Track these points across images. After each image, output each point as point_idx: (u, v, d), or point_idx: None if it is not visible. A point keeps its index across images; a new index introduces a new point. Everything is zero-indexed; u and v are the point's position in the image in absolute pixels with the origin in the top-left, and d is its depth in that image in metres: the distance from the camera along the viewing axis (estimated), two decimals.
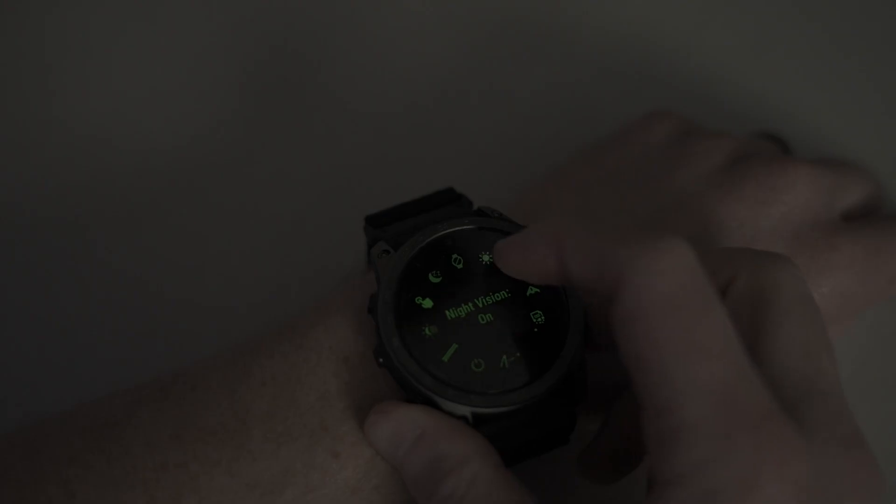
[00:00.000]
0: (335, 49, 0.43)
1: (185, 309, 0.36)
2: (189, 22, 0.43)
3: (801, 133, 0.39)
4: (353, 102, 0.41)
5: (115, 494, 0.25)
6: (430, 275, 0.28)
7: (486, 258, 0.28)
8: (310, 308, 0.30)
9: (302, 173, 0.40)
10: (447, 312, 0.27)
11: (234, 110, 0.41)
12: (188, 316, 0.36)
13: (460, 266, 0.28)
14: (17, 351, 0.35)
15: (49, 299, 0.36)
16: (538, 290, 0.28)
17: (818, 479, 0.22)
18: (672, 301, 0.22)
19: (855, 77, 0.42)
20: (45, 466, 0.26)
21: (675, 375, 0.21)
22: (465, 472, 0.25)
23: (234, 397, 0.27)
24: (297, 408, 0.27)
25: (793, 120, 0.40)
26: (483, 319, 0.27)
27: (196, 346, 0.32)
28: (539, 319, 0.27)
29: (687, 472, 0.21)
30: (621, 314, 0.22)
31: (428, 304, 0.27)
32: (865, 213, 0.35)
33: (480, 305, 0.27)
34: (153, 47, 0.43)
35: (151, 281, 0.37)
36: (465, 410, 0.26)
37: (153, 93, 0.41)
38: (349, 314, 0.29)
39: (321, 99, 0.42)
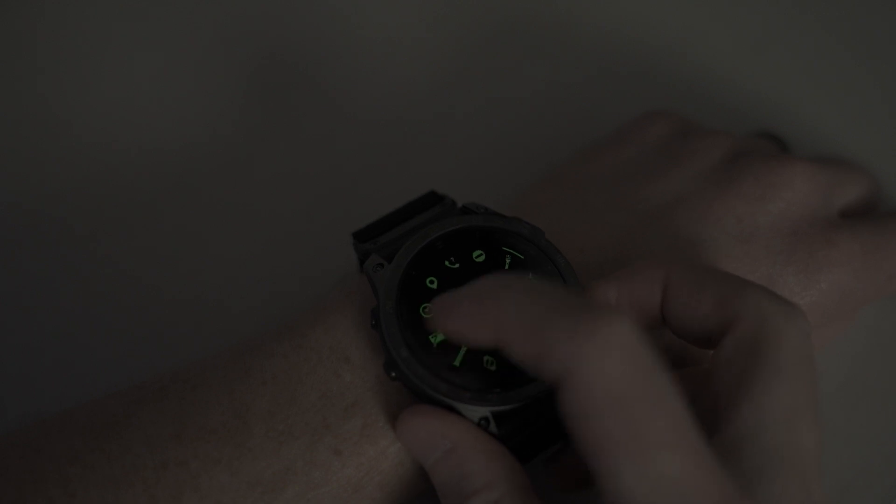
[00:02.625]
0: (335, 49, 0.43)
1: (185, 309, 0.36)
2: (191, 27, 0.43)
3: (800, 133, 0.39)
4: (352, 103, 0.41)
5: (116, 493, 0.25)
6: (427, 280, 0.28)
7: (480, 255, 0.28)
8: (310, 308, 0.30)
9: (303, 174, 0.40)
10: None
11: (234, 113, 0.41)
12: (188, 316, 0.36)
13: (456, 267, 0.28)
14: (17, 351, 0.35)
15: (49, 299, 0.36)
16: None
17: None
18: (617, 398, 0.21)
19: (855, 77, 0.42)
20: (45, 466, 0.26)
21: (628, 473, 0.21)
22: (489, 496, 0.25)
23: (234, 396, 0.27)
24: (298, 406, 0.27)
25: (792, 120, 0.40)
26: None
27: (196, 346, 0.32)
28: None
29: None
30: (568, 411, 0.21)
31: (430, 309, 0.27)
32: (863, 211, 0.35)
33: None
34: (154, 50, 0.43)
35: (151, 281, 0.37)
36: (484, 412, 0.26)
37: (154, 95, 0.42)
38: (349, 314, 0.29)
39: (322, 100, 0.42)
